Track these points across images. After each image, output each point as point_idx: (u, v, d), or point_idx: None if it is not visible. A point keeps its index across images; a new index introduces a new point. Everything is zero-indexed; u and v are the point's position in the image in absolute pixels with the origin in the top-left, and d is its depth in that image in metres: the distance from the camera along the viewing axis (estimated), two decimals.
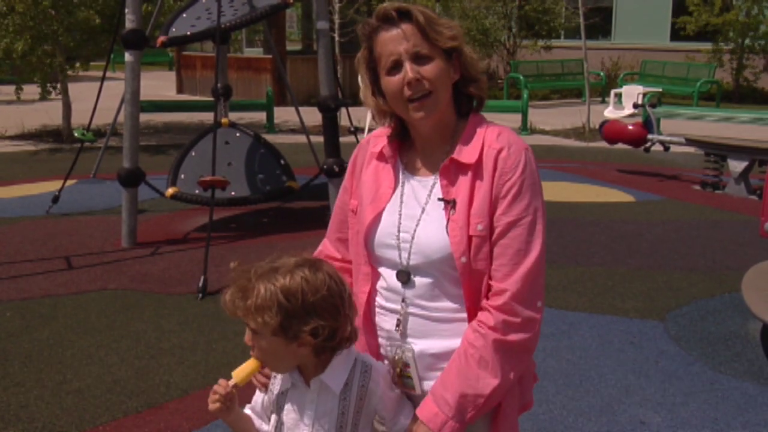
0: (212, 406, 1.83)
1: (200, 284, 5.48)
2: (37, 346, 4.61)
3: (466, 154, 1.80)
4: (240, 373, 1.82)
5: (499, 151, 1.78)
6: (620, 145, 10.43)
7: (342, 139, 7.34)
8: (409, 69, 1.76)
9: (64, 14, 11.30)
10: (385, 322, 1.90)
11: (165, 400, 3.94)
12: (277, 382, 1.90)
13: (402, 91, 1.77)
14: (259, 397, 1.96)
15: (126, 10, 6.91)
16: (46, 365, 4.35)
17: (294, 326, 1.70)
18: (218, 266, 5.86)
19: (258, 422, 1.96)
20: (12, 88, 13.11)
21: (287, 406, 1.86)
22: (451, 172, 1.82)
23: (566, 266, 6.11)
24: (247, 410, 1.98)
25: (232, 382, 1.82)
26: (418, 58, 1.77)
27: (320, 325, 1.71)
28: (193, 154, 7.54)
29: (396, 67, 1.77)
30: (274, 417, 1.90)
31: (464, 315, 1.82)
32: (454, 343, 1.82)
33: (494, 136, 1.82)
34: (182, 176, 7.26)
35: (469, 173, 1.80)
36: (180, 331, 4.86)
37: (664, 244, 6.77)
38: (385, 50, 1.78)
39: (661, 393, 4.02)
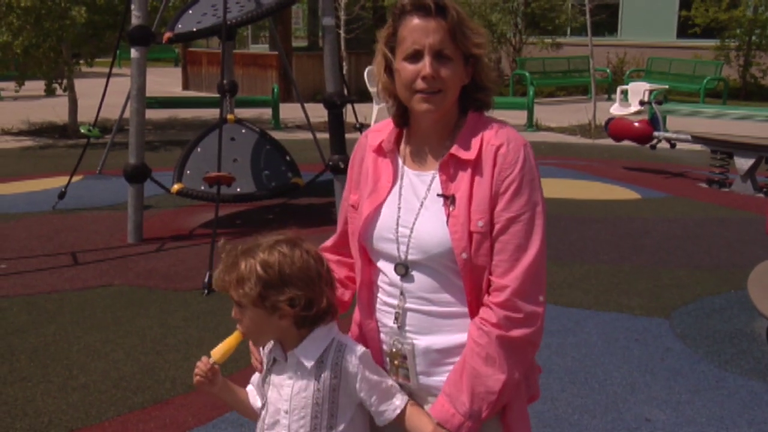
0: (195, 380, 1.97)
1: (206, 280, 5.49)
2: (44, 342, 4.63)
3: (465, 150, 1.81)
4: (217, 352, 1.96)
5: (499, 147, 1.79)
6: (626, 143, 10.40)
7: (348, 136, 7.34)
8: (428, 64, 1.76)
9: (58, 14, 11.26)
10: (387, 318, 1.91)
11: (170, 396, 3.95)
12: (266, 361, 1.97)
13: (414, 81, 1.78)
14: (257, 373, 2.04)
15: (132, 7, 6.92)
16: (52, 360, 4.37)
17: (271, 296, 1.81)
18: None
19: (253, 399, 2.04)
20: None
21: (271, 382, 1.93)
22: (450, 167, 1.82)
23: (572, 263, 6.10)
24: (249, 386, 2.07)
25: (211, 361, 1.95)
26: (439, 56, 1.77)
27: (296, 294, 1.81)
28: (199, 150, 7.56)
29: (416, 56, 1.77)
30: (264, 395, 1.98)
31: (465, 310, 1.83)
32: (458, 338, 1.83)
33: (493, 133, 1.82)
34: (188, 172, 7.27)
35: (469, 169, 1.80)
36: (185, 327, 4.87)
37: (670, 242, 6.75)
38: (411, 37, 1.78)
39: (667, 391, 4.01)
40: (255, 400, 2.03)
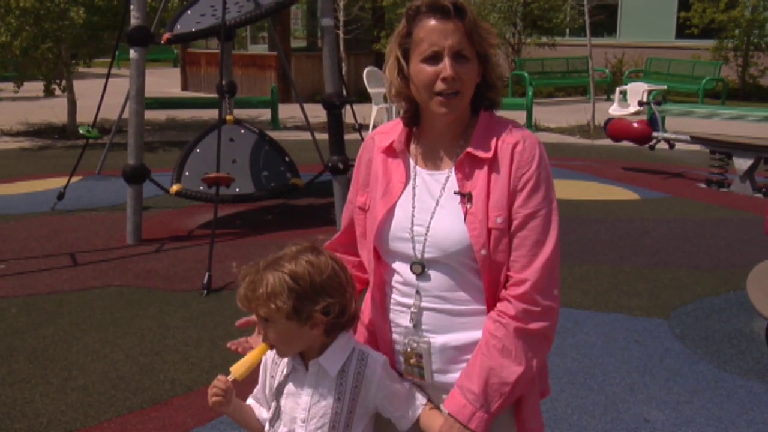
0: (212, 399, 1.90)
1: (205, 281, 5.49)
2: (43, 343, 4.62)
3: (481, 148, 1.83)
4: (239, 368, 1.89)
5: (515, 145, 1.82)
6: (625, 143, 10.41)
7: (347, 137, 7.35)
8: (449, 66, 1.77)
9: (57, 14, 11.26)
10: (401, 318, 1.91)
11: (169, 397, 3.95)
12: (278, 369, 1.94)
13: (434, 83, 1.78)
14: (261, 385, 2.02)
15: (131, 7, 6.92)
16: (51, 361, 4.37)
17: (306, 307, 1.79)
18: (223, 263, 5.87)
19: (258, 411, 2.02)
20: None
21: (287, 391, 1.91)
22: (465, 166, 1.84)
23: (571, 264, 6.10)
24: (250, 400, 2.04)
25: (230, 377, 1.89)
26: (458, 57, 1.78)
27: (330, 302, 1.80)
28: (198, 151, 7.56)
29: (434, 58, 1.78)
30: (273, 403, 1.95)
31: (482, 307, 1.84)
32: (475, 334, 1.84)
33: (508, 131, 1.85)
34: (187, 173, 7.27)
35: (485, 167, 1.82)
36: (184, 327, 4.87)
37: (669, 242, 6.76)
38: (429, 38, 1.78)
39: (666, 391, 4.01)
40: (261, 412, 2.02)
